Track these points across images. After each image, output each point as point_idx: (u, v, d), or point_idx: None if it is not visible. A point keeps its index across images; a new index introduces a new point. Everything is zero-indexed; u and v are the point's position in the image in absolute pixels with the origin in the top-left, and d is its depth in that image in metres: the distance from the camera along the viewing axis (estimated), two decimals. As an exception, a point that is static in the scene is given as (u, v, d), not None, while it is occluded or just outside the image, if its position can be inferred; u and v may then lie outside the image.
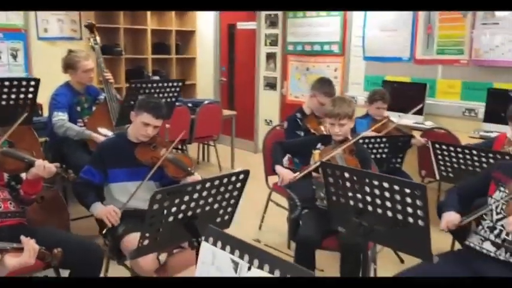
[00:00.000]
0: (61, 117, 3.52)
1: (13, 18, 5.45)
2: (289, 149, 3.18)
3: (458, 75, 4.66)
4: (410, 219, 1.82)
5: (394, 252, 3.34)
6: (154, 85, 3.37)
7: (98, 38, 3.81)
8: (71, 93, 3.60)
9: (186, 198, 1.85)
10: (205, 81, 7.15)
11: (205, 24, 7.01)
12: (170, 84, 3.45)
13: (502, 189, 2.29)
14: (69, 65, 3.56)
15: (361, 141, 3.07)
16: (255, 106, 6.61)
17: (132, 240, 2.48)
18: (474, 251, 2.30)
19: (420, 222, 1.80)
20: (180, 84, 3.52)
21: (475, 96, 4.55)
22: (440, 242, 2.53)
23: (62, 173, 2.33)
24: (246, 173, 2.03)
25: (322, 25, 5.65)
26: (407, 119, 4.30)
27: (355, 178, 1.95)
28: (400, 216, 1.85)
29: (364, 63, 5.33)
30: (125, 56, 6.24)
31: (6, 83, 2.72)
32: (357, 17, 5.31)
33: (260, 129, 6.57)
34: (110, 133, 3.47)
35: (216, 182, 1.92)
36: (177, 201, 1.83)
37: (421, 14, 4.80)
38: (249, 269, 1.35)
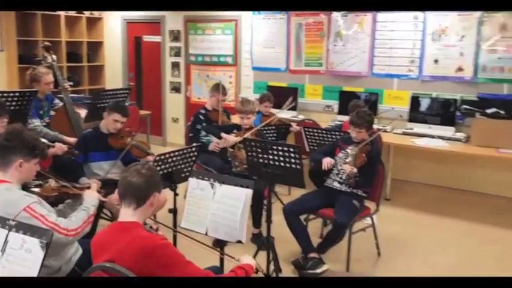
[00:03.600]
0: (36, 123, 4.32)
1: None
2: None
3: (320, 82, 6.35)
4: (293, 166, 3.30)
5: (279, 200, 4.80)
6: (110, 92, 4.50)
7: (54, 56, 4.78)
8: (36, 101, 4.49)
9: (170, 160, 3.16)
10: (114, 86, 7.91)
11: (113, 36, 7.97)
12: (121, 91, 4.60)
13: (343, 151, 3.94)
14: (34, 79, 4.48)
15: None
16: (162, 107, 7.77)
17: (113, 197, 3.66)
18: (328, 187, 3.91)
19: (298, 167, 3.30)
20: (127, 90, 4.69)
21: (331, 97, 6.26)
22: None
23: (70, 151, 3.45)
24: (198, 146, 3.39)
25: (219, 41, 7.04)
26: (286, 114, 5.89)
27: (262, 146, 3.41)
28: (287, 165, 3.32)
29: (252, 72, 6.82)
30: (44, 64, 7.00)
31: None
32: (245, 36, 6.79)
33: (168, 127, 7.79)
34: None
35: (185, 151, 3.25)
36: (166, 161, 3.13)
37: (293, 36, 6.42)
38: (220, 185, 2.72)
